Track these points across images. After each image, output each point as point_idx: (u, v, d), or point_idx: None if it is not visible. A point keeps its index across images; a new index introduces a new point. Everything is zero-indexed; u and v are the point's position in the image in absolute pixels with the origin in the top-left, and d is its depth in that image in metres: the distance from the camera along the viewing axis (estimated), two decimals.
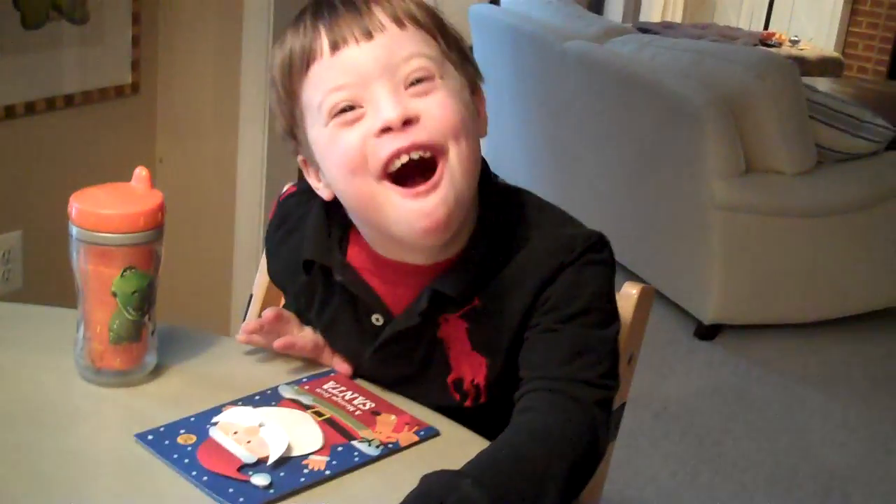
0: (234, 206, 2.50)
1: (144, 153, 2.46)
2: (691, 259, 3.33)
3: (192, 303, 2.52)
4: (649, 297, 1.20)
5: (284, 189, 1.22)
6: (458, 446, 0.95)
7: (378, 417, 1.01)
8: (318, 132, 1.00)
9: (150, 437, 0.94)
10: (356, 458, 0.94)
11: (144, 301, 1.01)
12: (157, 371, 1.06)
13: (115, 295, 0.99)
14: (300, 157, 1.08)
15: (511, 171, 4.52)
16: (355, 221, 1.06)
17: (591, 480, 1.19)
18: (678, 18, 7.72)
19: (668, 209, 3.42)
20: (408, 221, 0.97)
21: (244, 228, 2.48)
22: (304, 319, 1.14)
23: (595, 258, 1.05)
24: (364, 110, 0.97)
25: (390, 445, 0.97)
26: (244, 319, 1.38)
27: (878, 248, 3.41)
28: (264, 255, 1.28)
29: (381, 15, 0.98)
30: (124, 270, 0.98)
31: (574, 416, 0.96)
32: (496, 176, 1.11)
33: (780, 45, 6.41)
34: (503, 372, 1.07)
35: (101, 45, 2.28)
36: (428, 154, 0.97)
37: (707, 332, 3.36)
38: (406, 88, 0.97)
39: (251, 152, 2.44)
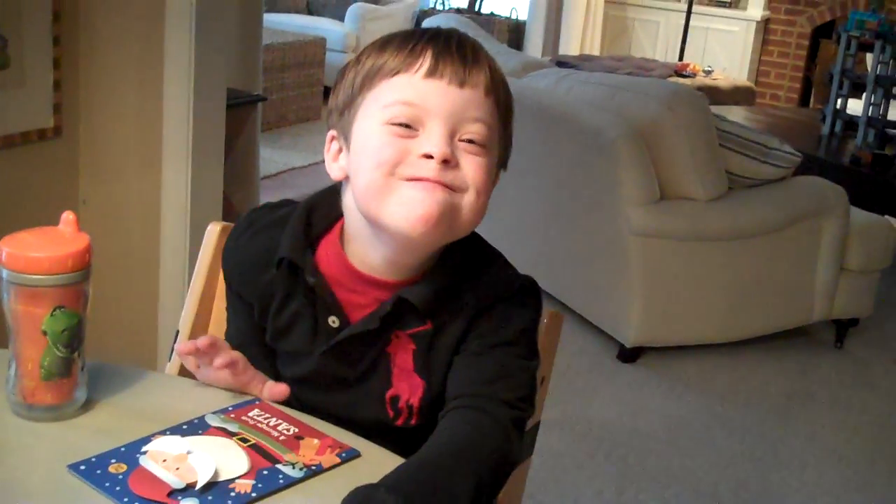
0: (159, 244, 2.53)
1: (68, 195, 2.48)
2: (611, 284, 3.43)
3: (120, 342, 2.53)
4: (558, 322, 1.27)
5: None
6: (379, 466, 1.00)
7: (301, 441, 1.06)
8: (369, 124, 1.09)
9: (82, 467, 0.98)
10: (281, 481, 0.99)
11: (74, 338, 1.05)
12: (87, 405, 1.10)
13: (45, 333, 1.02)
14: (332, 133, 1.16)
15: None
16: (349, 215, 1.15)
17: (508, 500, 1.26)
18: (596, 51, 7.90)
19: (587, 236, 3.52)
20: (406, 206, 1.06)
21: (169, 267, 2.51)
22: (259, 317, 1.20)
23: (526, 300, 1.16)
24: (417, 133, 1.07)
25: (313, 467, 1.02)
26: (170, 355, 1.42)
27: (790, 269, 3.55)
28: (192, 289, 1.33)
29: (479, 75, 1.09)
30: (54, 310, 1.02)
31: (487, 429, 1.04)
32: None
33: (694, 75, 6.60)
34: (436, 397, 1.14)
35: (23, 90, 2.30)
36: (447, 193, 1.07)
37: (629, 355, 3.45)
38: (458, 141, 1.08)
39: (175, 191, 2.48)
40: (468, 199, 1.09)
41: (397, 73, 1.08)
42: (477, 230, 1.16)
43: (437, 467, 0.97)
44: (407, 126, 1.07)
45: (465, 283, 1.14)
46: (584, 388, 3.25)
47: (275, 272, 1.16)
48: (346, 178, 1.14)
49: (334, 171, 1.16)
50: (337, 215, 1.18)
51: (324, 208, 1.19)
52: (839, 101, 5.25)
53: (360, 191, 1.10)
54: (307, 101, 6.46)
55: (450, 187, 1.07)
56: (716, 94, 6.34)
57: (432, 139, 1.06)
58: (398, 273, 1.14)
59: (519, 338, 1.13)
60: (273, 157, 5.46)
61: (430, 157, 1.06)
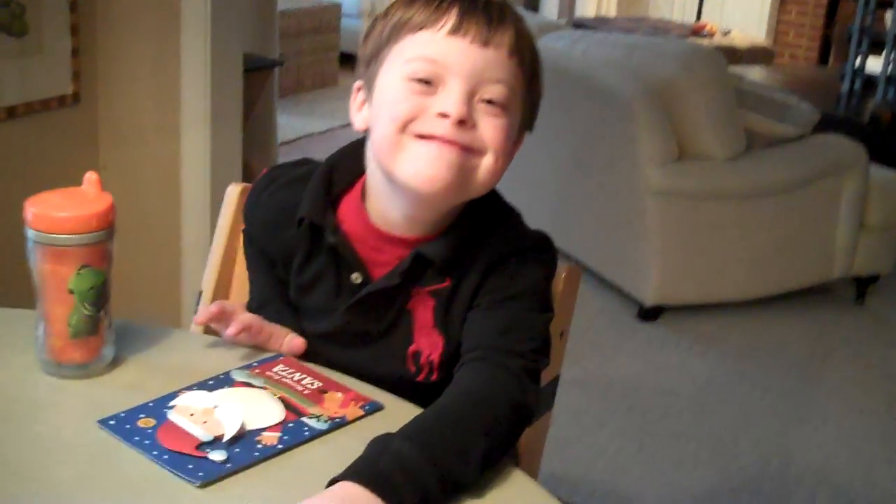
0: (180, 208, 2.55)
1: (88, 161, 2.50)
2: (631, 244, 3.43)
3: (144, 303, 2.56)
4: (576, 276, 1.28)
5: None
6: (402, 418, 1.01)
7: (325, 395, 1.08)
8: (391, 78, 1.10)
9: (111, 422, 1.00)
10: (306, 433, 1.01)
11: (100, 297, 1.07)
12: (114, 363, 1.12)
13: (71, 292, 1.04)
14: (359, 83, 1.17)
15: None
16: (369, 169, 1.16)
17: (529, 454, 1.28)
18: (612, 13, 7.85)
19: (606, 197, 3.52)
20: (416, 163, 1.07)
21: (190, 229, 2.53)
22: (281, 273, 1.22)
23: (538, 256, 1.17)
24: (436, 90, 1.07)
25: (337, 420, 1.04)
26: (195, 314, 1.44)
27: (809, 227, 3.54)
28: (213, 250, 1.34)
29: (504, 35, 1.08)
30: (80, 269, 1.04)
31: (500, 379, 1.05)
32: None
33: (711, 35, 6.55)
34: (455, 352, 1.15)
35: (41, 57, 2.31)
36: (460, 154, 1.08)
37: (649, 314, 3.46)
38: (478, 102, 1.08)
39: (194, 156, 2.49)
40: (486, 162, 1.09)
41: (422, 28, 1.08)
42: (496, 188, 1.17)
43: (452, 417, 0.98)
44: (426, 82, 1.07)
45: (481, 239, 1.15)
46: (604, 347, 3.26)
47: (297, 230, 1.17)
48: (368, 129, 1.15)
49: (358, 121, 1.17)
50: (359, 173, 1.19)
51: (346, 166, 1.20)
52: (858, 58, 5.21)
53: (377, 144, 1.11)
54: (323, 67, 6.46)
55: (466, 148, 1.07)
56: (733, 55, 6.30)
57: (450, 98, 1.06)
58: (418, 230, 1.15)
59: (531, 291, 1.14)
60: (290, 122, 5.47)
61: (446, 115, 1.06)
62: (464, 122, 1.06)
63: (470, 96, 1.07)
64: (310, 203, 1.17)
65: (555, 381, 1.32)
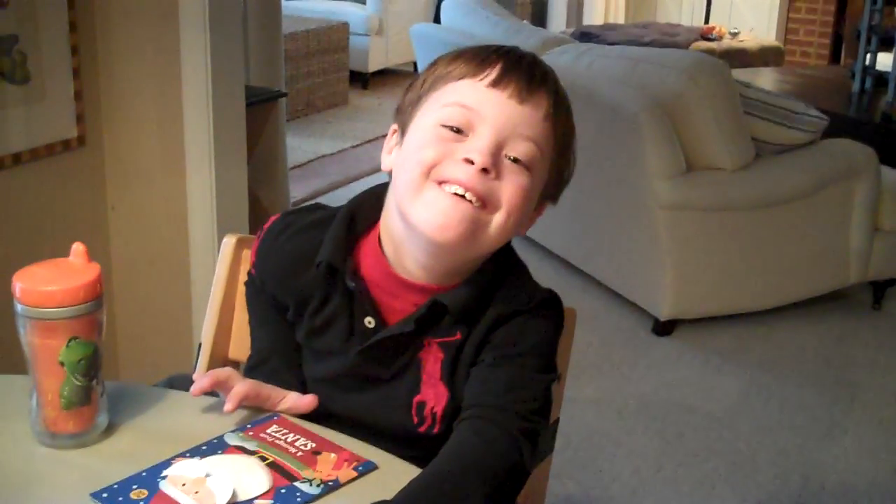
0: (188, 246, 2.56)
1: (97, 202, 2.52)
2: (643, 259, 3.42)
3: (154, 345, 2.58)
4: (570, 318, 1.28)
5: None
6: (396, 478, 1.02)
7: (318, 457, 1.08)
8: (425, 122, 1.11)
9: (104, 494, 1.00)
10: (298, 499, 1.01)
11: (91, 367, 1.07)
12: (109, 429, 1.12)
13: (62, 364, 1.05)
14: (394, 126, 1.18)
15: None
16: (389, 214, 1.16)
17: (532, 497, 1.27)
18: (621, 18, 7.84)
19: (616, 212, 3.51)
20: (430, 210, 1.08)
21: (199, 269, 2.54)
22: (294, 315, 1.23)
23: (545, 313, 1.16)
24: (466, 138, 1.08)
25: (330, 483, 1.04)
26: (195, 369, 1.45)
27: (821, 235, 3.52)
28: (211, 301, 1.34)
29: (542, 97, 1.10)
30: (69, 341, 1.04)
31: (497, 440, 1.05)
32: None
33: (720, 38, 6.53)
34: (458, 407, 1.15)
35: (45, 102, 2.33)
36: (478, 202, 1.08)
37: (664, 328, 3.45)
38: (505, 158, 1.09)
39: (200, 193, 2.50)
40: (497, 219, 1.09)
41: (464, 77, 1.10)
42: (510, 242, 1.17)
43: (447, 482, 0.98)
44: (458, 131, 1.08)
45: (491, 293, 1.15)
46: (619, 364, 3.25)
47: (314, 273, 1.18)
48: (392, 172, 1.15)
49: (385, 163, 1.18)
50: (377, 218, 1.19)
51: (365, 211, 1.20)
52: (868, 57, 5.17)
53: (399, 186, 1.12)
54: (334, 87, 6.48)
55: (482, 199, 1.07)
56: (743, 57, 6.28)
57: (478, 144, 1.07)
58: (435, 279, 1.15)
59: (535, 350, 1.13)
60: (302, 145, 5.48)
61: (471, 162, 1.06)
62: (487, 171, 1.07)
63: (498, 148, 1.08)
64: (331, 247, 1.17)
65: (555, 425, 1.32)
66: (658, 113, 3.24)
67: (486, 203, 1.08)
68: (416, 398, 1.18)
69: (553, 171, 1.14)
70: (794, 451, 2.77)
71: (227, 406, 1.13)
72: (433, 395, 1.17)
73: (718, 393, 3.09)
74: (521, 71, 1.09)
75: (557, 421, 1.33)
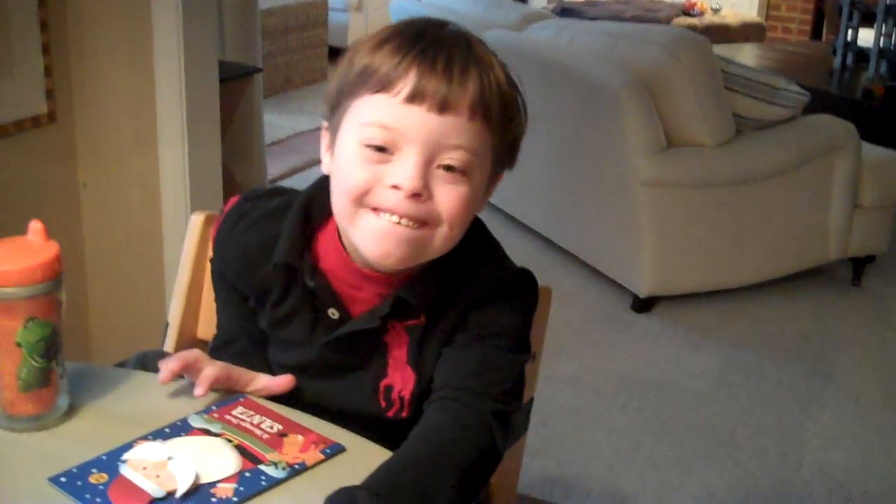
0: (161, 224, 2.52)
1: (67, 180, 2.48)
2: (622, 235, 3.40)
3: (126, 323, 2.54)
4: (546, 297, 1.26)
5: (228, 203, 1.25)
6: (364, 460, 1.00)
7: (285, 439, 1.06)
8: (349, 140, 1.06)
9: (62, 479, 0.97)
10: (263, 482, 0.98)
11: (50, 348, 1.04)
12: (70, 411, 1.09)
13: (19, 345, 1.02)
14: (325, 124, 1.13)
15: None
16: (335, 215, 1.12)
17: (505, 480, 1.25)
18: None
19: (596, 188, 3.49)
20: (369, 238, 1.05)
21: (172, 247, 2.51)
22: (255, 305, 1.20)
23: (518, 293, 1.14)
24: (392, 158, 1.03)
25: (297, 466, 1.01)
26: (162, 347, 1.42)
27: (801, 211, 3.51)
28: (178, 281, 1.32)
29: (464, 97, 1.02)
30: (27, 321, 1.01)
31: (469, 423, 1.03)
32: None
33: (701, 14, 6.50)
34: (426, 390, 1.13)
35: (12, 78, 2.28)
36: (416, 224, 1.04)
37: (643, 305, 3.44)
38: (437, 168, 1.04)
39: (172, 170, 2.46)
40: (441, 232, 1.06)
41: (380, 90, 1.03)
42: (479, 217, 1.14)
43: (417, 466, 0.96)
44: (382, 149, 1.03)
45: (462, 277, 1.12)
46: (598, 341, 3.24)
47: (271, 268, 1.14)
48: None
49: (325, 163, 1.13)
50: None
51: (321, 202, 1.14)
52: (849, 32, 5.16)
53: (335, 207, 1.09)
54: (312, 63, 6.43)
55: (419, 221, 1.04)
56: (725, 33, 6.26)
57: (404, 169, 1.02)
58: (397, 271, 1.12)
59: (508, 331, 1.11)
60: (279, 122, 5.44)
61: (399, 188, 1.02)
62: (418, 195, 1.03)
63: (426, 165, 1.03)
64: (287, 245, 1.13)
65: (529, 404, 1.30)
66: (638, 89, 3.21)
67: (424, 222, 1.05)
68: (384, 382, 1.16)
69: (499, 145, 1.09)
70: (773, 428, 2.77)
71: (197, 390, 1.09)
72: (400, 379, 1.15)
73: (697, 370, 3.08)
74: (438, 78, 1.02)
75: (532, 401, 1.31)
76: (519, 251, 4.06)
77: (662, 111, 3.28)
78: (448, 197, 1.04)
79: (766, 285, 3.58)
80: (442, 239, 1.06)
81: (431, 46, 1.04)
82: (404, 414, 1.15)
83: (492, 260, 1.15)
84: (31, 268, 1.01)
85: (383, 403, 1.16)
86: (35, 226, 1.05)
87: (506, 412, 1.06)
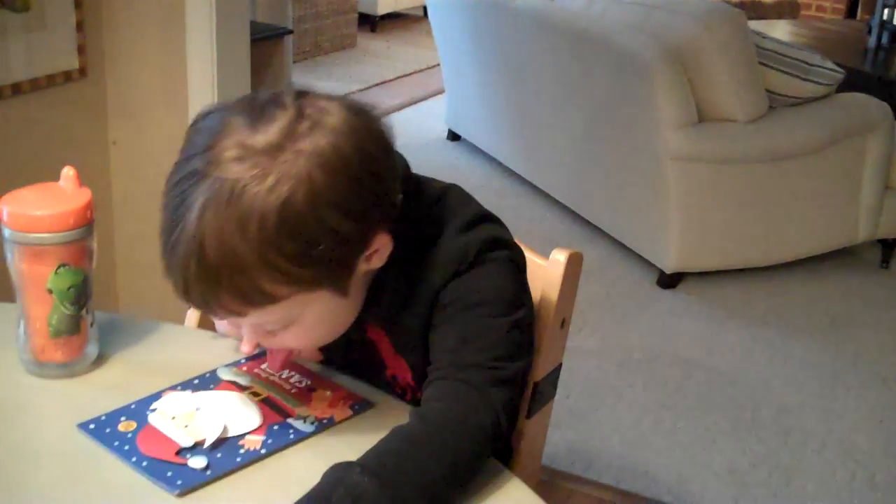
0: None
1: (97, 136, 2.48)
2: (650, 210, 3.38)
3: (153, 280, 2.54)
4: (578, 261, 1.23)
5: None
6: (392, 417, 0.99)
7: (314, 394, 1.05)
8: None
9: (91, 426, 0.97)
10: (291, 436, 0.98)
11: (81, 295, 1.04)
12: (99, 360, 1.09)
13: (50, 292, 1.02)
14: None
15: (472, 131, 4.54)
16: None
17: (529, 447, 1.24)
18: None
19: (625, 162, 3.46)
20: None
21: None
22: None
23: (488, 257, 1.06)
24: None
25: (325, 421, 1.01)
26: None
27: (833, 190, 3.47)
28: None
29: (226, 308, 0.94)
30: (58, 268, 1.01)
31: (464, 398, 0.97)
32: (419, 185, 1.10)
33: None
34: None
35: (45, 32, 2.28)
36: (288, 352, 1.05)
37: (669, 281, 3.41)
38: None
39: None
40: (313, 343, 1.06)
41: None
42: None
43: (416, 447, 0.91)
44: None
45: (422, 265, 1.06)
46: (623, 316, 3.22)
47: None
48: None
49: None
50: None
51: None
52: (885, 11, 5.08)
53: None
54: (342, 29, 6.40)
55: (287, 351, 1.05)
56: (759, 9, 6.18)
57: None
58: None
59: (487, 298, 1.04)
60: (307, 87, 5.41)
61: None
62: (268, 335, 1.00)
63: (254, 330, 1.00)
64: None
65: (556, 371, 1.28)
66: (671, 61, 3.17)
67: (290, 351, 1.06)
68: (388, 373, 1.14)
69: (316, 274, 0.94)
70: (796, 408, 2.75)
71: (245, 347, 1.05)
72: (398, 368, 1.13)
73: (722, 347, 3.06)
74: (199, 304, 0.96)
75: (559, 367, 1.29)
76: (543, 223, 4.06)
77: (694, 85, 3.24)
78: (287, 339, 1.01)
79: (794, 265, 3.54)
80: (324, 336, 1.06)
81: (168, 273, 0.98)
82: (418, 395, 1.13)
83: (453, 234, 1.07)
84: (63, 214, 1.00)
85: (398, 391, 1.15)
86: (67, 172, 1.04)
87: (504, 378, 1.00)
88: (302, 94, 0.98)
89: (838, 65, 3.48)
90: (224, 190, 0.89)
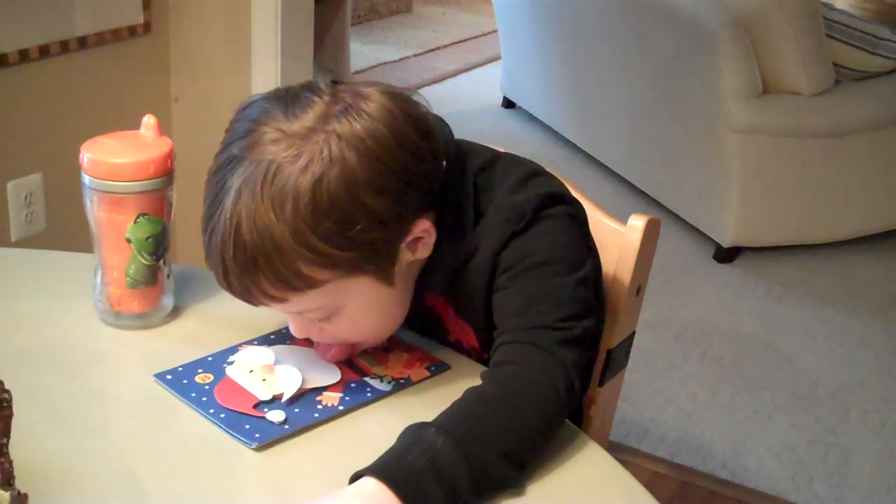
0: None
1: (160, 92, 2.48)
2: (709, 182, 3.33)
3: None
4: (655, 228, 1.21)
5: None
6: (469, 379, 0.97)
7: (390, 354, 1.04)
8: None
9: (168, 376, 0.97)
10: (368, 394, 0.97)
11: (158, 246, 1.03)
12: (174, 313, 1.09)
13: (129, 241, 1.01)
14: None
15: (528, 98, 4.50)
16: None
17: (600, 416, 1.23)
18: None
19: (685, 133, 3.41)
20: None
21: None
22: None
23: (545, 214, 1.04)
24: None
25: (402, 381, 1.00)
26: None
27: None
28: None
29: (263, 298, 0.96)
30: (137, 217, 1.00)
31: (536, 359, 0.96)
32: (466, 155, 1.08)
33: None
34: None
35: None
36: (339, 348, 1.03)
37: (726, 255, 3.37)
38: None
39: (264, 88, 2.44)
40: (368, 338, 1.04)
41: None
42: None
43: (487, 405, 0.90)
44: None
45: (477, 231, 1.04)
46: (678, 289, 3.18)
47: None
48: None
49: None
50: None
51: None
52: None
53: None
54: None
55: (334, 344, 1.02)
56: None
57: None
58: None
59: (548, 258, 1.02)
60: (363, 51, 5.39)
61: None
62: (320, 322, 0.99)
63: (300, 317, 1.00)
64: None
65: (629, 339, 1.26)
66: (737, 29, 3.11)
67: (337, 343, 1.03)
68: (451, 338, 1.13)
69: (360, 263, 0.95)
70: (855, 387, 2.71)
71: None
72: (462, 331, 1.11)
73: (780, 323, 3.02)
74: (238, 293, 0.96)
75: (633, 335, 1.27)
76: (598, 192, 4.01)
77: (760, 55, 3.18)
78: (335, 330, 1.00)
79: (856, 242, 3.48)
80: (376, 332, 1.04)
81: (209, 260, 0.97)
82: (486, 356, 1.11)
83: (505, 196, 1.05)
84: (144, 162, 1.00)
85: (466, 354, 1.12)
86: (149, 120, 1.03)
87: (575, 337, 0.98)
88: (338, 82, 0.99)
89: None
90: (259, 171, 0.91)
